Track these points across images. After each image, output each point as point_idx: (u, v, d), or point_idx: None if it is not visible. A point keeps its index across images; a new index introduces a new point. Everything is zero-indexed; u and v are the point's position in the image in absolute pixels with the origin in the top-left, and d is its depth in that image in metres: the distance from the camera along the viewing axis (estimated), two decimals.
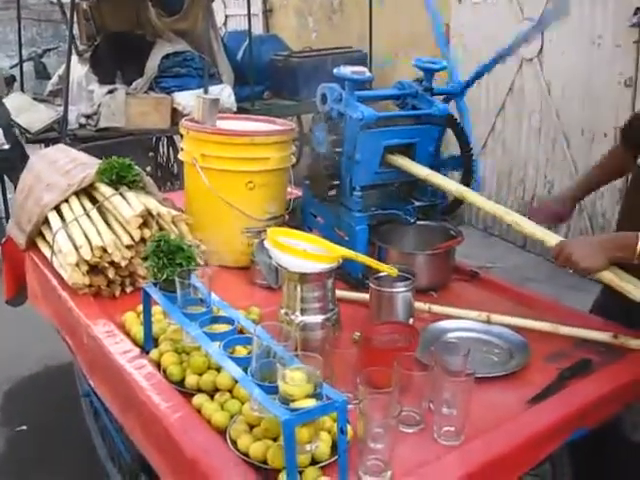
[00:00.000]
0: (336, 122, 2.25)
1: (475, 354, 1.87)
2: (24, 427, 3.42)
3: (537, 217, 2.30)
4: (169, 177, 6.42)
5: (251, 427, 1.51)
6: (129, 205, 2.29)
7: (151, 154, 6.47)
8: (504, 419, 1.60)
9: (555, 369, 1.81)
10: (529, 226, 2.03)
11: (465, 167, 2.41)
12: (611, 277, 1.86)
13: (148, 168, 6.04)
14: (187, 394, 1.69)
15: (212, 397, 1.65)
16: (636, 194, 2.18)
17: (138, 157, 5.37)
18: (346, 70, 2.22)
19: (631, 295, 1.83)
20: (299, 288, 1.78)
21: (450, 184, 2.21)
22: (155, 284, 1.80)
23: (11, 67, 9.13)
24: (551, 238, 1.97)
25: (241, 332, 1.69)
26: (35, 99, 6.37)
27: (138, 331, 1.94)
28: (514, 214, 2.07)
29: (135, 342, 1.94)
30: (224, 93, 5.73)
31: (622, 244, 1.85)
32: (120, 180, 2.44)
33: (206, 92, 5.59)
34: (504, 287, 2.34)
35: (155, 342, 1.90)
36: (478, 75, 2.52)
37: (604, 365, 1.83)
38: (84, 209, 2.40)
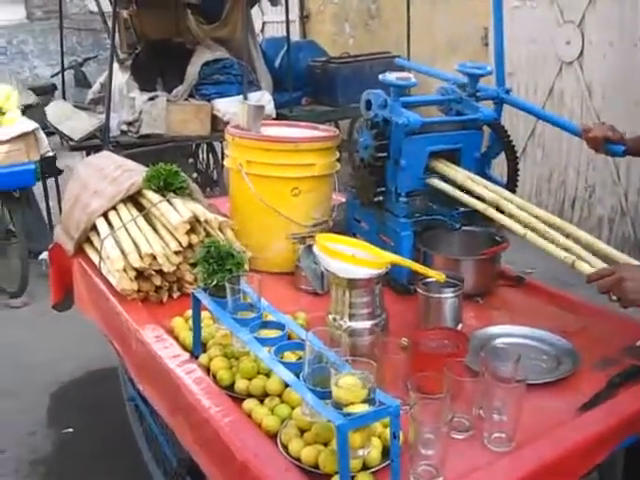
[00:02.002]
0: (381, 128, 2.25)
1: (523, 360, 1.86)
2: (70, 429, 3.47)
3: (592, 131, 2.27)
4: (209, 183, 6.47)
5: (302, 432, 1.52)
6: (177, 211, 2.32)
7: (191, 160, 6.54)
8: (554, 426, 1.60)
9: (604, 376, 1.79)
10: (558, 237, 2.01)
11: (509, 173, 2.40)
12: None
13: (194, 174, 6.11)
14: (236, 399, 1.71)
15: (262, 402, 1.67)
16: None
17: (179, 163, 5.42)
18: (391, 76, 2.22)
19: None
20: (347, 294, 1.79)
21: (484, 192, 2.20)
22: (205, 289, 1.82)
23: (52, 76, 9.29)
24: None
25: (289, 337, 1.70)
26: (76, 107, 6.46)
27: (187, 336, 1.96)
28: (549, 229, 2.04)
29: (184, 347, 1.96)
30: (263, 99, 5.75)
31: None
32: (167, 187, 2.46)
33: (245, 99, 5.63)
34: (550, 292, 2.33)
35: (203, 347, 1.92)
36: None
37: None
38: (132, 216, 2.44)
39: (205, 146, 6.54)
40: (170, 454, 2.58)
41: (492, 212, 2.14)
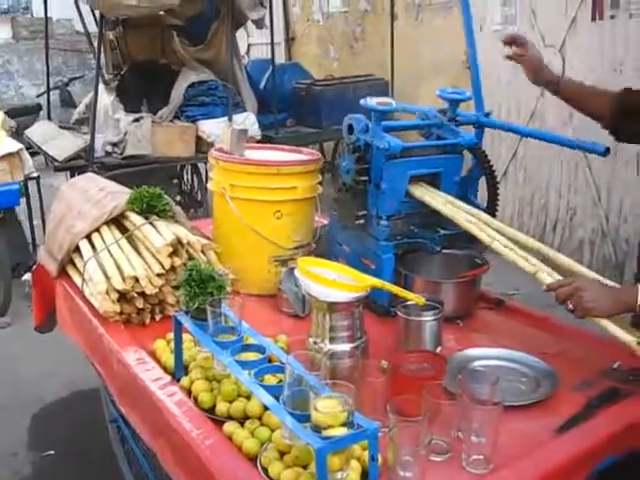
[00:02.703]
0: (362, 152, 2.28)
1: (502, 382, 1.88)
2: (51, 452, 3.45)
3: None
4: (193, 204, 6.50)
5: (282, 454, 1.53)
6: (159, 234, 2.33)
7: (175, 181, 6.56)
8: (533, 447, 1.61)
9: (582, 397, 1.81)
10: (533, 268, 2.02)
11: (489, 197, 2.43)
12: (606, 322, 1.86)
13: (178, 197, 6.13)
14: (217, 422, 1.72)
15: (242, 425, 1.68)
16: None
17: (163, 184, 5.45)
18: (372, 101, 2.25)
19: (623, 339, 1.84)
20: (328, 317, 1.81)
21: (459, 217, 2.22)
22: (186, 312, 1.83)
23: (37, 95, 9.33)
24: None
25: (270, 360, 1.71)
26: (61, 127, 6.48)
27: (168, 358, 1.97)
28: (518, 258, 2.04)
29: (165, 369, 1.97)
30: (248, 121, 5.80)
31: (626, 301, 1.85)
32: (150, 209, 2.48)
33: (230, 120, 5.67)
34: (529, 314, 2.35)
35: (185, 370, 1.93)
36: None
37: (631, 393, 1.82)
38: (114, 238, 2.45)
39: (190, 167, 6.57)
40: (152, 477, 2.57)
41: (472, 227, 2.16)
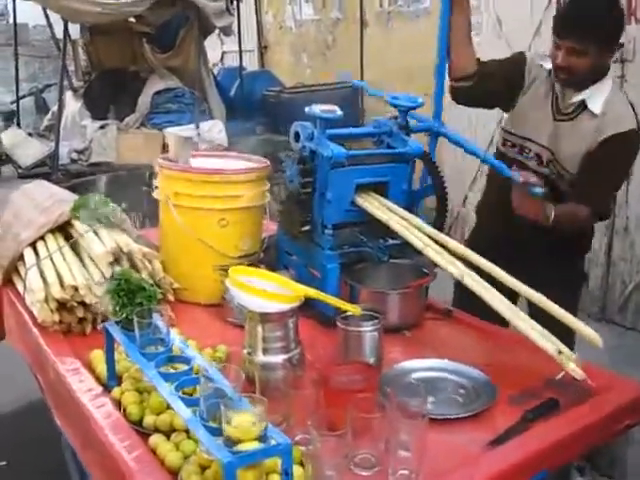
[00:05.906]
0: (308, 160, 2.25)
1: (440, 394, 1.87)
2: (4, 463, 3.39)
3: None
4: None
5: (203, 469, 1.49)
6: (101, 242, 2.30)
7: (145, 189, 6.50)
8: (463, 462, 1.58)
9: (520, 410, 1.78)
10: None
11: (438, 206, 2.40)
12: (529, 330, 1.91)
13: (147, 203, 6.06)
14: (145, 434, 1.68)
15: (169, 437, 1.64)
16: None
17: (132, 192, 5.41)
18: (316, 109, 2.22)
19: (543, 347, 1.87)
20: (260, 328, 1.78)
21: (412, 237, 2.19)
22: (118, 322, 1.80)
23: (12, 102, 9.23)
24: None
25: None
26: (31, 134, 6.43)
27: (103, 369, 1.93)
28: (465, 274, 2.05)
29: (99, 380, 1.93)
30: (215, 129, 5.78)
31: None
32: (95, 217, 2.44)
33: (197, 128, 5.64)
34: (477, 325, 2.33)
35: (119, 380, 1.89)
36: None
37: (570, 406, 1.80)
38: (59, 246, 2.41)
39: None
40: None
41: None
